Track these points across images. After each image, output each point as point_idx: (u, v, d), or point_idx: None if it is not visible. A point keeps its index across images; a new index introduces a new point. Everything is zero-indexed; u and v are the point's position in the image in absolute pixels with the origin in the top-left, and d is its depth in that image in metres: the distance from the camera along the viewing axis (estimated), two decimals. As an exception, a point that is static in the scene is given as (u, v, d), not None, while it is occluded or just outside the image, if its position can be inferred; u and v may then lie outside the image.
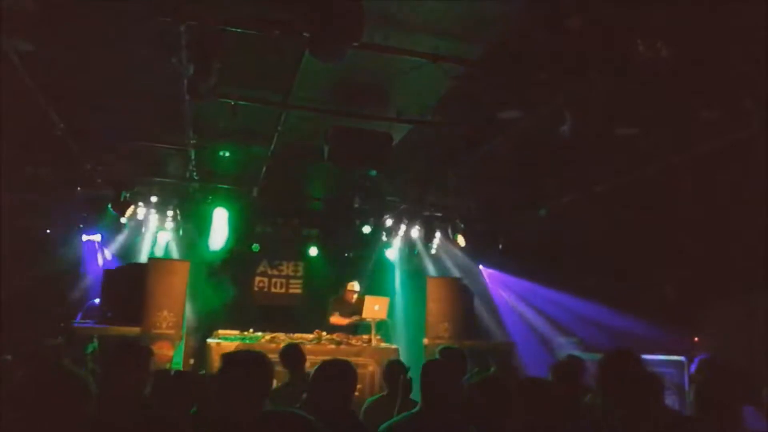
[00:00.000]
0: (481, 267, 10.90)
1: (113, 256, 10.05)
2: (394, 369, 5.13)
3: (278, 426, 1.77)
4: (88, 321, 8.39)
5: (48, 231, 9.33)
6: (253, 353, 3.03)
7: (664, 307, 8.05)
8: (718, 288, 7.21)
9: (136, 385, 3.30)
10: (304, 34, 4.20)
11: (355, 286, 9.42)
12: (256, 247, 10.86)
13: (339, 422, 3.03)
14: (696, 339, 7.79)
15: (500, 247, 9.35)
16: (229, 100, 5.68)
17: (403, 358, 8.58)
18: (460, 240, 9.81)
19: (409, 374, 5.05)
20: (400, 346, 8.92)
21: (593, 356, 7.23)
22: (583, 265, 9.13)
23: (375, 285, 10.72)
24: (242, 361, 2.89)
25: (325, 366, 3.43)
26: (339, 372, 3.40)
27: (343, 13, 3.94)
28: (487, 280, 10.83)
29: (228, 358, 2.93)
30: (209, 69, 4.56)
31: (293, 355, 5.42)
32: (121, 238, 10.06)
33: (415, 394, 4.41)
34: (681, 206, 7.06)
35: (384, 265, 11.38)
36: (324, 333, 8.71)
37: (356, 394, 3.94)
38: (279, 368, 5.52)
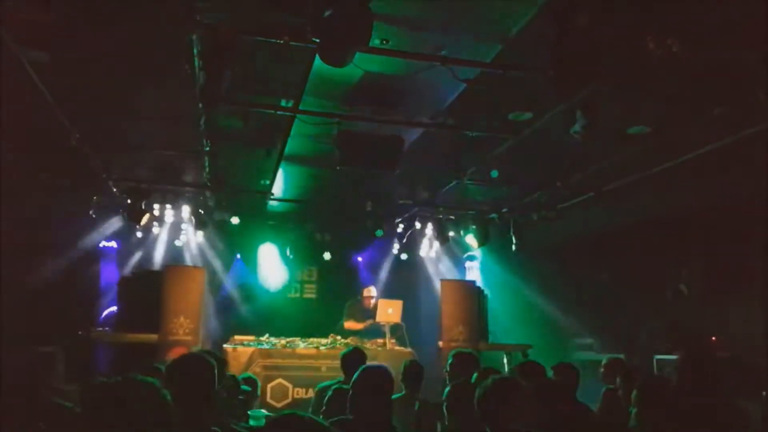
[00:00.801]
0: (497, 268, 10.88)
1: (129, 263, 10.14)
2: (412, 370, 5.14)
3: (286, 429, 1.78)
4: (105, 328, 8.49)
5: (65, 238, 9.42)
6: (194, 356, 3.14)
7: (681, 306, 7.98)
8: (736, 285, 7.13)
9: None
10: (314, 39, 4.24)
11: (372, 291, 9.43)
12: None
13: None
14: (713, 338, 7.71)
15: (513, 248, 9.31)
16: (241, 107, 5.73)
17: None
18: (473, 242, 9.80)
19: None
20: (415, 349, 8.92)
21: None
22: (596, 265, 9.09)
23: (388, 288, 10.73)
24: (182, 364, 2.96)
25: (363, 374, 3.46)
26: (378, 380, 3.43)
27: (351, 17, 3.96)
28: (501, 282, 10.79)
29: (170, 363, 3.00)
30: (221, 76, 4.61)
31: (351, 360, 5.40)
32: (137, 246, 10.15)
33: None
34: (695, 202, 7.01)
35: (397, 268, 11.38)
36: (339, 337, 8.74)
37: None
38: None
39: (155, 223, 9.68)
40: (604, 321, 8.98)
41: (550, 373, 4.53)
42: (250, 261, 11.14)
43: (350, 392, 3.44)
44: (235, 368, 7.33)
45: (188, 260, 10.31)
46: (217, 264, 10.69)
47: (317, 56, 4.35)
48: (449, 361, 5.07)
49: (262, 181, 8.63)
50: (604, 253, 8.89)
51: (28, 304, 7.63)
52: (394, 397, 4.75)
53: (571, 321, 9.58)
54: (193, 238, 10.22)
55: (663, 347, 7.73)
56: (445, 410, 3.84)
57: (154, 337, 8.26)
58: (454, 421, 3.71)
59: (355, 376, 3.47)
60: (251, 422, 4.52)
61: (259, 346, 8.26)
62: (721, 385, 3.47)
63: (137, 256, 10.19)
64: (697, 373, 3.55)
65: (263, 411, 4.95)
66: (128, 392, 1.94)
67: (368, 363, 3.77)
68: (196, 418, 2.67)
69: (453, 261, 11.24)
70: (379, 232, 10.15)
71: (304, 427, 1.78)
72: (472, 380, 4.34)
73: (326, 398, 4.35)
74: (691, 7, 3.92)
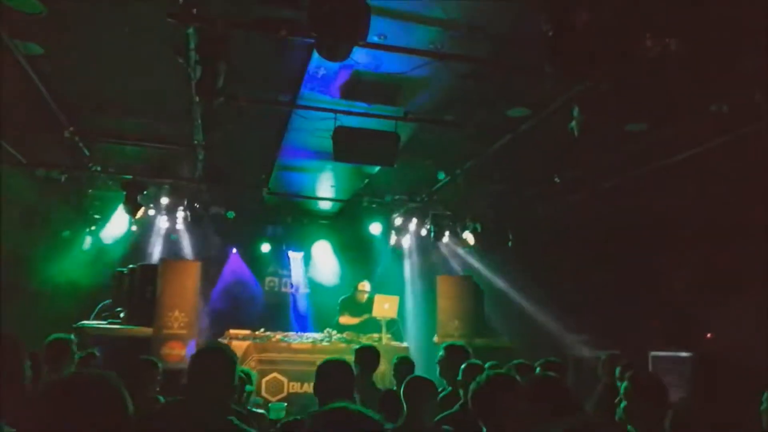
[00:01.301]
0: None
1: (125, 257, 10.10)
2: (402, 366, 5.15)
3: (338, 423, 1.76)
4: (100, 322, 8.46)
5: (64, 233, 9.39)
6: (217, 345, 3.16)
7: (675, 302, 8.01)
8: (730, 283, 7.15)
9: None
10: (311, 34, 4.22)
11: (366, 286, 9.40)
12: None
13: None
14: (708, 335, 7.74)
15: (510, 244, 9.31)
16: (237, 101, 5.70)
17: (413, 356, 8.59)
18: (470, 238, 9.80)
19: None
20: (410, 344, 8.93)
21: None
22: (592, 261, 9.10)
23: (385, 284, 10.73)
24: (208, 352, 3.06)
25: (321, 368, 3.48)
26: (335, 373, 3.46)
27: (349, 12, 3.95)
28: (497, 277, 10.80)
29: (193, 354, 3.07)
30: (217, 70, 4.59)
31: (367, 356, 5.43)
32: (132, 240, 10.11)
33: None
34: (690, 200, 7.01)
35: (394, 263, 11.38)
36: (334, 332, 8.74)
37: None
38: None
39: (151, 217, 9.63)
40: (599, 317, 9.00)
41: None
42: (246, 255, 11.12)
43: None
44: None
45: (184, 254, 10.27)
46: (213, 258, 10.67)
47: (315, 51, 4.33)
48: (440, 354, 5.09)
49: (259, 175, 8.61)
50: (601, 249, 8.90)
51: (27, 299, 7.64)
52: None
53: (567, 317, 9.60)
54: (189, 232, 10.18)
55: (658, 344, 7.76)
56: (403, 401, 3.85)
57: (149, 330, 8.25)
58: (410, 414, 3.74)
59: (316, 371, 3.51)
60: (271, 415, 4.56)
61: (255, 341, 8.25)
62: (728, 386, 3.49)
63: (133, 250, 10.13)
64: (709, 374, 3.58)
65: (282, 403, 5.01)
66: (80, 387, 1.93)
67: (329, 357, 3.80)
68: (215, 410, 2.72)
69: (450, 256, 11.23)
70: (376, 227, 10.15)
71: (355, 421, 1.76)
72: (459, 375, 4.38)
73: None
74: (689, 5, 3.91)
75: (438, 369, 5.01)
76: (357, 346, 5.56)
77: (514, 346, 8.88)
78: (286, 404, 6.75)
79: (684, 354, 7.19)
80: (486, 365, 4.57)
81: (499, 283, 10.36)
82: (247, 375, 5.46)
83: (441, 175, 7.65)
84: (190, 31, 4.39)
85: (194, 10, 4.17)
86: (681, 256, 7.97)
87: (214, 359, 2.87)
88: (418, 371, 5.35)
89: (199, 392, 2.75)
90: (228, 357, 2.90)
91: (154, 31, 4.53)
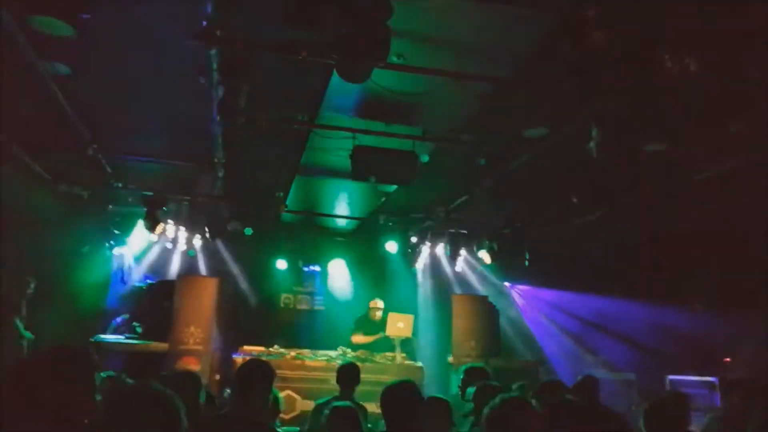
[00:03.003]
0: (507, 284, 10.81)
1: (143, 273, 10.20)
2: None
3: None
4: (116, 336, 8.54)
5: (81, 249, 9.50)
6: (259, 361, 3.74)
7: (695, 324, 7.90)
8: (751, 305, 7.05)
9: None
10: (332, 55, 4.28)
11: (378, 303, 9.36)
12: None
13: None
14: (727, 359, 7.62)
15: (526, 263, 9.26)
16: (258, 120, 5.78)
17: (427, 376, 8.54)
18: (486, 257, 9.76)
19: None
20: (424, 364, 8.87)
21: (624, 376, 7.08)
22: (610, 281, 9.03)
23: (400, 302, 10.70)
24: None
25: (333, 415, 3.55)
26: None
27: (369, 34, 4.00)
28: (515, 298, 10.74)
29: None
30: (239, 90, 4.67)
31: (347, 373, 5.48)
32: (151, 256, 10.20)
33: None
34: (711, 220, 6.95)
35: (409, 282, 11.34)
36: (348, 350, 8.71)
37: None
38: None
39: (170, 233, 9.72)
40: (617, 338, 8.90)
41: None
42: (263, 271, 11.15)
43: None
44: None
45: (202, 270, 10.33)
46: (230, 274, 10.72)
47: (335, 72, 4.39)
48: (461, 377, 5.07)
49: (277, 193, 8.67)
50: (618, 268, 8.83)
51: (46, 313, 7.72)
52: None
53: (584, 338, 9.50)
54: (207, 248, 10.25)
55: (677, 367, 7.65)
56: None
57: (164, 346, 8.30)
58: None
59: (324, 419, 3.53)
60: None
61: (268, 358, 8.25)
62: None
63: (151, 266, 10.22)
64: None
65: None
66: (146, 399, 1.98)
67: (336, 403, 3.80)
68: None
69: (465, 276, 11.18)
70: (392, 245, 10.14)
71: None
72: (468, 394, 4.37)
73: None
74: (709, 23, 3.92)
75: (459, 392, 4.97)
76: (339, 365, 5.63)
77: (529, 366, 8.80)
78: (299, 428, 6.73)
79: (706, 378, 7.07)
80: (513, 386, 4.54)
81: (516, 302, 10.31)
82: (276, 398, 5.47)
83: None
84: (213, 52, 4.47)
85: (218, 32, 4.25)
86: (701, 276, 7.88)
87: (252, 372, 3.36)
88: (432, 391, 5.33)
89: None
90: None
91: (178, 52, 4.62)
